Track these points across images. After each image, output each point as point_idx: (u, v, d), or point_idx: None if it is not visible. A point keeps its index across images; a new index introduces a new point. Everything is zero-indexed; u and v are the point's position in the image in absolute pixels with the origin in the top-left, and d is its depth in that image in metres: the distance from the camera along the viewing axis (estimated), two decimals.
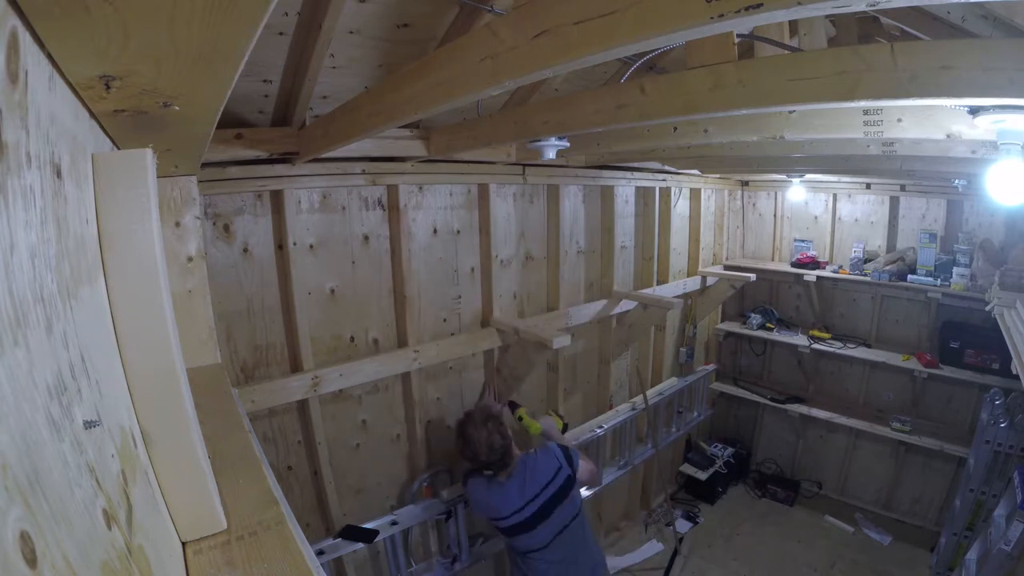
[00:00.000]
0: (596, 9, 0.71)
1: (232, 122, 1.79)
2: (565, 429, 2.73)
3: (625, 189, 3.54)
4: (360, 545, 2.22)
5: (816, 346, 4.00)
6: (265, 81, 1.73)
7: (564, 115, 1.55)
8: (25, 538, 0.27)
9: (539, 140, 1.86)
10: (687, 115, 1.27)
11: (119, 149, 0.64)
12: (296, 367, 2.14)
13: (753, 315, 4.38)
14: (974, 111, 1.18)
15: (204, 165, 1.59)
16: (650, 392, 3.73)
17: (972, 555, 2.62)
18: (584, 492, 3.30)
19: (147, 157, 0.60)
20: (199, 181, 1.17)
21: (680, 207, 4.00)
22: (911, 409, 3.77)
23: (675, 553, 3.69)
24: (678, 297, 3.75)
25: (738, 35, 1.20)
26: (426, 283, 2.54)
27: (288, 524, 0.66)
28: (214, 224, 1.91)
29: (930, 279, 3.46)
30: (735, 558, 3.74)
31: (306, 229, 2.13)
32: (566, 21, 0.75)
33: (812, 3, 0.57)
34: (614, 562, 3.65)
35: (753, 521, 4.13)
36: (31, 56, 0.36)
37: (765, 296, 4.55)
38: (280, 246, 2.07)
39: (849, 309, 4.10)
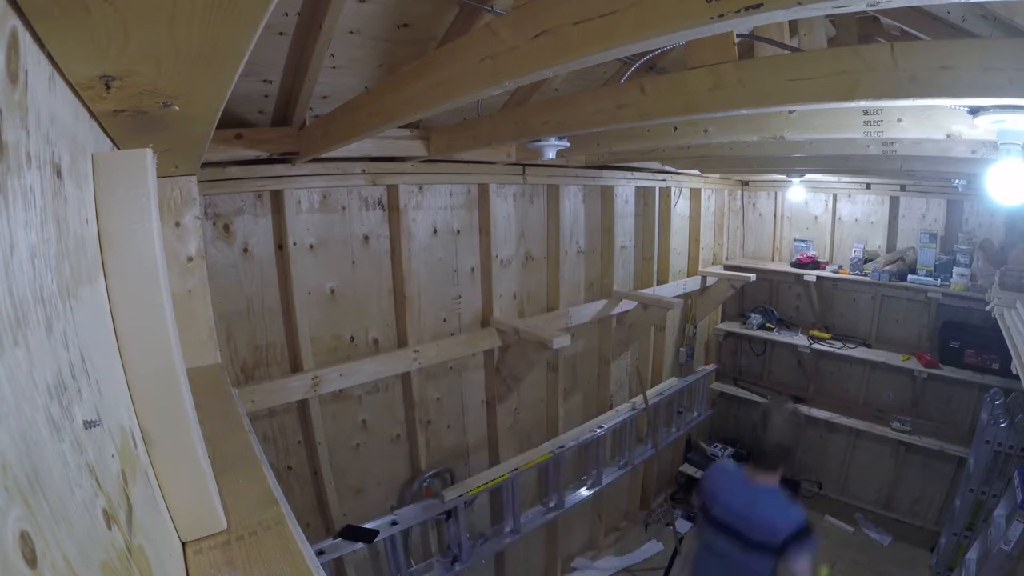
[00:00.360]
0: (596, 9, 0.71)
1: (232, 122, 1.79)
2: None
3: (625, 189, 3.54)
4: (360, 545, 2.22)
5: (816, 346, 4.00)
6: (265, 81, 1.73)
7: (564, 115, 1.55)
8: (25, 538, 0.27)
9: (539, 140, 1.87)
10: (687, 115, 1.27)
11: (119, 149, 0.64)
12: (296, 367, 2.14)
13: (753, 315, 4.38)
14: (974, 111, 1.18)
15: (204, 165, 1.59)
16: (650, 392, 3.73)
17: (972, 555, 2.62)
18: (584, 492, 3.31)
19: (147, 157, 0.60)
20: (199, 181, 1.17)
21: (680, 207, 4.00)
22: (911, 409, 3.77)
23: (675, 553, 3.69)
24: (678, 297, 3.75)
25: (738, 35, 1.20)
26: (426, 283, 2.54)
27: (288, 524, 0.66)
28: (214, 224, 1.91)
29: (930, 279, 3.46)
30: None
31: (306, 229, 2.13)
32: (566, 21, 0.75)
33: (812, 3, 0.57)
34: (614, 562, 3.65)
35: None
36: (31, 56, 0.36)
37: (765, 296, 4.55)
38: (280, 246, 2.07)
39: (849, 309, 4.10)
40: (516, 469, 2.80)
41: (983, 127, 1.22)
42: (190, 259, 1.15)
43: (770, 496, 1.98)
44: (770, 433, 1.93)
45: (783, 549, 1.88)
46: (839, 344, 3.96)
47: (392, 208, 2.34)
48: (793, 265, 4.14)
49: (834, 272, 3.90)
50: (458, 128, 2.07)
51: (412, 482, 2.60)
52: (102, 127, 0.58)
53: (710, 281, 4.22)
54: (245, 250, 2.00)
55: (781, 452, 1.95)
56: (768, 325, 4.32)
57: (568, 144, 1.95)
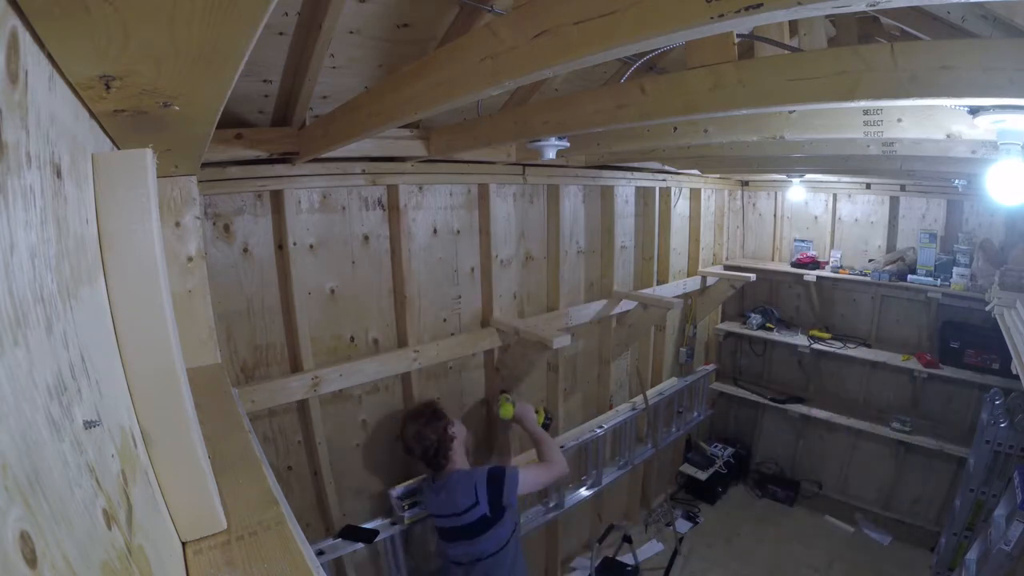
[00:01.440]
0: (596, 9, 0.71)
1: (232, 122, 1.79)
2: (548, 426, 2.68)
3: (625, 189, 3.54)
4: (360, 545, 2.22)
5: (816, 346, 4.00)
6: (265, 81, 1.73)
7: (564, 115, 1.55)
8: (25, 538, 0.27)
9: (539, 140, 1.86)
10: (687, 115, 1.26)
11: (119, 149, 0.64)
12: (296, 367, 2.14)
13: (753, 315, 4.38)
14: (974, 111, 1.18)
15: (204, 165, 1.59)
16: (650, 392, 3.73)
17: (972, 555, 2.62)
18: (585, 492, 3.31)
19: (147, 157, 0.60)
20: (199, 181, 1.17)
21: (680, 207, 4.00)
22: (911, 409, 3.77)
23: (675, 553, 3.69)
24: (678, 297, 3.75)
25: (738, 35, 1.20)
26: (426, 283, 2.54)
27: (288, 524, 0.66)
28: (214, 224, 1.91)
29: (930, 279, 3.46)
30: (735, 558, 3.74)
31: (306, 229, 2.13)
32: (566, 21, 0.75)
33: (812, 3, 0.57)
34: None
35: (753, 521, 4.13)
36: (31, 56, 0.36)
37: (765, 296, 4.55)
38: (280, 246, 2.07)
39: (849, 309, 4.10)
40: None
41: (983, 127, 1.22)
42: (190, 259, 1.15)
43: (456, 478, 2.16)
44: (409, 437, 2.19)
45: (495, 505, 2.08)
46: (839, 344, 3.96)
47: (392, 208, 2.34)
48: (793, 265, 4.14)
49: (834, 272, 3.90)
50: (458, 128, 2.07)
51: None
52: (102, 127, 0.58)
53: (710, 281, 4.22)
54: (245, 250, 2.00)
55: (433, 448, 2.18)
56: (768, 325, 4.32)
57: (568, 144, 1.95)
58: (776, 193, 4.38)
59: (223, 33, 0.40)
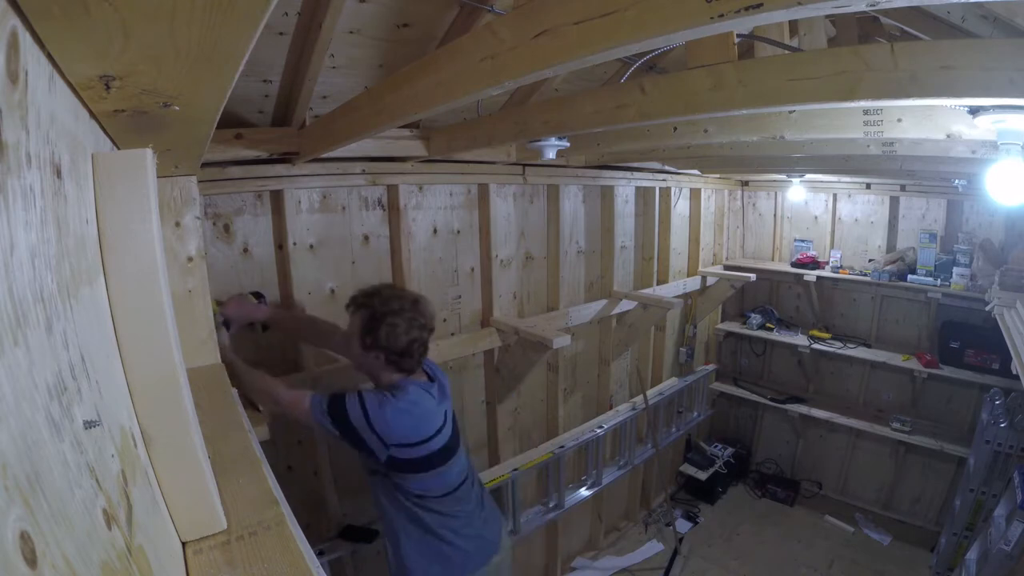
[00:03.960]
0: (596, 9, 0.71)
1: (232, 122, 1.79)
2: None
3: (625, 189, 3.54)
4: (360, 545, 2.22)
5: (816, 346, 4.00)
6: (265, 81, 1.73)
7: (564, 115, 1.55)
8: (25, 538, 0.27)
9: (539, 140, 1.86)
10: (687, 115, 1.27)
11: (119, 149, 0.64)
12: (296, 367, 2.14)
13: (753, 315, 4.38)
14: (974, 111, 1.18)
15: (204, 165, 1.59)
16: (650, 392, 3.73)
17: (972, 555, 2.62)
18: (585, 492, 3.31)
19: (147, 157, 0.60)
20: (199, 181, 1.17)
21: (680, 207, 4.00)
22: (911, 409, 3.77)
23: (675, 553, 3.69)
24: (678, 297, 3.75)
25: (738, 35, 1.20)
26: (426, 283, 2.54)
27: (288, 524, 0.66)
28: (214, 224, 1.91)
29: (930, 279, 3.46)
30: (735, 558, 3.74)
31: (306, 229, 2.12)
32: (566, 21, 0.75)
33: (812, 3, 0.57)
34: (614, 562, 3.65)
35: (753, 521, 4.13)
36: (31, 56, 0.36)
37: (765, 296, 4.55)
38: (280, 246, 2.06)
39: (849, 309, 4.10)
40: (516, 469, 2.80)
41: (983, 127, 1.22)
42: (190, 259, 1.15)
43: (434, 365, 1.85)
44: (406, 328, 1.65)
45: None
46: (839, 344, 3.96)
47: (392, 208, 2.34)
48: (793, 265, 4.14)
49: (834, 272, 3.90)
50: (458, 128, 2.07)
51: None
52: (102, 127, 0.58)
53: (710, 281, 4.22)
54: (245, 250, 2.00)
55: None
56: (768, 325, 4.32)
57: (568, 144, 1.95)
58: (776, 193, 4.38)
59: (223, 33, 0.40)
